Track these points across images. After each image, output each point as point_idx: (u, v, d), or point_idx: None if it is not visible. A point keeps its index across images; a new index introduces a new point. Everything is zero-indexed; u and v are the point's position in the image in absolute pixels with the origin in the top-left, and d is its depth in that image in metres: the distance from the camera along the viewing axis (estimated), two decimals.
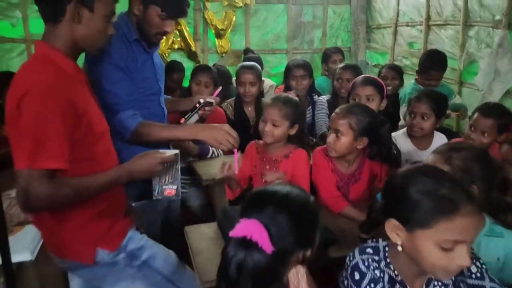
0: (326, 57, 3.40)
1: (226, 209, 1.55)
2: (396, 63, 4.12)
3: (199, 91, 2.41)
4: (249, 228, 0.80)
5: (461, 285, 0.99)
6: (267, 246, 0.79)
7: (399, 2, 4.05)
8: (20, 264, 1.49)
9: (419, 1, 3.77)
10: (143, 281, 1.34)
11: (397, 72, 2.93)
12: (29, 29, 3.55)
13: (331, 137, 1.63)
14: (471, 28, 3.23)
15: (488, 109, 1.90)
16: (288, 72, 2.69)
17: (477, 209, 0.85)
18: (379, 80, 2.19)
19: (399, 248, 0.91)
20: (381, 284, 0.95)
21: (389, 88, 2.89)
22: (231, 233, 0.82)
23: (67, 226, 1.21)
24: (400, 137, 2.09)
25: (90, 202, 1.20)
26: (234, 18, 4.19)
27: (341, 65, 2.66)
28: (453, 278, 0.99)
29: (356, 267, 0.98)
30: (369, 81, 2.07)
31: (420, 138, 2.03)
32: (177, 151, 1.40)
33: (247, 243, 0.80)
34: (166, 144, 1.74)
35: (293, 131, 1.67)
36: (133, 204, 1.57)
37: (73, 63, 1.22)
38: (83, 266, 1.27)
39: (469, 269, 0.97)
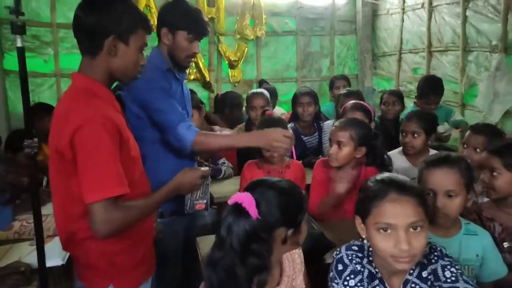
0: (332, 84, 3.61)
1: None
2: (401, 88, 4.29)
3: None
4: (241, 197, 0.99)
5: None
6: (253, 212, 0.96)
7: (402, 31, 4.26)
8: (51, 269, 1.66)
9: (421, 29, 3.98)
10: None
11: (398, 97, 3.09)
12: (59, 65, 3.90)
13: (333, 148, 1.80)
14: (470, 53, 3.39)
15: (479, 127, 2.04)
16: (295, 99, 2.85)
17: (407, 198, 1.00)
18: (367, 105, 2.37)
19: (365, 242, 1.08)
20: (360, 277, 1.08)
21: (390, 112, 3.06)
22: (229, 201, 1.01)
23: (99, 250, 1.22)
24: (396, 156, 2.25)
25: (125, 232, 1.21)
26: (246, 50, 4.48)
27: (343, 92, 2.84)
28: (428, 283, 1.10)
29: (340, 260, 1.12)
30: (358, 107, 2.26)
31: (416, 156, 2.16)
32: (207, 168, 1.54)
33: (237, 209, 0.98)
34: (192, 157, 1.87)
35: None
36: (158, 220, 1.71)
37: (111, 93, 1.29)
38: None
39: (444, 274, 1.08)
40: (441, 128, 2.88)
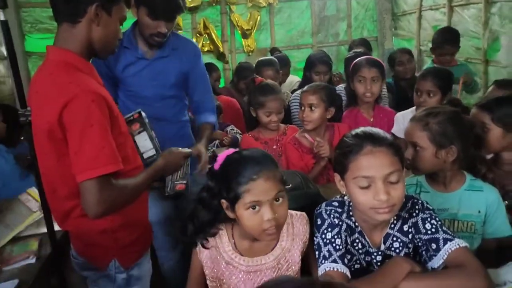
0: (351, 49, 3.49)
1: None
2: (422, 48, 4.12)
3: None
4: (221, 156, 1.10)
5: (417, 241, 1.10)
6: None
7: None
8: None
9: None
10: None
11: (410, 54, 2.97)
12: None
13: (306, 111, 1.91)
14: (494, 5, 3.17)
15: (502, 82, 1.97)
16: (311, 66, 2.72)
17: (382, 149, 1.00)
18: (379, 60, 2.27)
19: (345, 198, 1.09)
20: (337, 229, 1.09)
21: (407, 71, 2.95)
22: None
23: (99, 228, 1.21)
24: (409, 115, 2.16)
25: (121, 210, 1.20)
26: (258, 18, 4.39)
27: (351, 55, 2.72)
28: (410, 236, 1.11)
29: (319, 215, 1.14)
30: (372, 63, 2.16)
31: None
32: (189, 150, 1.50)
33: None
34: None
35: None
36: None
37: (91, 65, 1.24)
38: (93, 268, 1.30)
39: (424, 227, 1.08)
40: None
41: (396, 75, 3.02)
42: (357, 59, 2.23)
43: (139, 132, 1.42)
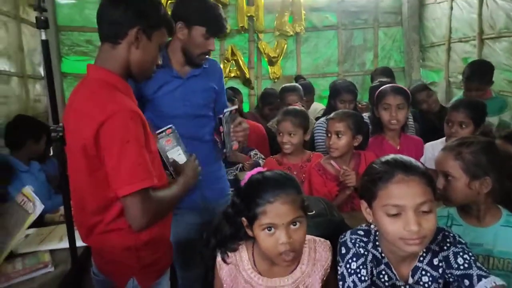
0: (373, 77, 3.49)
1: None
2: (451, 79, 4.06)
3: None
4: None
5: (448, 276, 1.04)
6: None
7: (451, 19, 4.01)
8: None
9: (471, 16, 3.72)
10: None
11: (426, 89, 3.02)
12: None
13: (332, 139, 1.90)
14: None
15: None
16: (336, 94, 2.69)
17: (414, 178, 0.96)
18: (405, 88, 2.24)
19: (372, 226, 1.05)
20: (362, 259, 1.05)
21: (430, 105, 2.91)
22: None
23: (124, 245, 1.22)
24: (438, 146, 2.11)
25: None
26: (285, 46, 4.47)
27: (376, 83, 2.69)
28: (440, 271, 1.05)
29: (344, 243, 1.09)
30: (398, 91, 2.14)
31: None
32: (170, 126, 1.45)
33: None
34: None
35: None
36: None
37: (128, 85, 1.27)
38: (112, 287, 1.29)
39: (456, 261, 1.03)
40: (493, 121, 2.67)
41: (420, 111, 2.97)
42: (383, 87, 2.21)
43: (173, 147, 1.44)
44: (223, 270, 1.15)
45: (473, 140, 1.32)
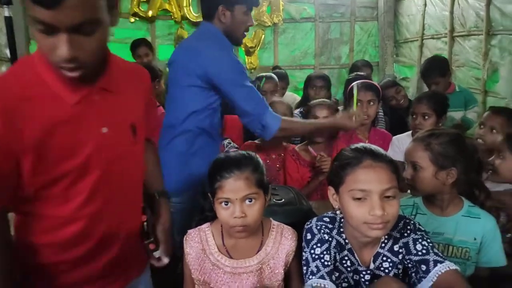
0: (355, 69, 3.54)
1: None
2: None
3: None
4: None
5: (407, 262, 1.08)
6: None
7: (424, 16, 4.11)
8: None
9: (443, 13, 3.82)
10: None
11: (395, 85, 3.08)
12: None
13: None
14: (494, 37, 3.22)
15: (499, 108, 1.99)
16: (308, 82, 2.86)
17: (381, 164, 1.00)
18: (376, 84, 2.30)
19: (338, 213, 1.08)
20: (326, 245, 1.08)
21: (400, 102, 3.00)
22: None
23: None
24: (404, 139, 2.18)
25: None
26: (263, 37, 4.47)
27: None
28: (400, 257, 1.09)
29: (309, 230, 1.12)
30: (369, 87, 2.19)
31: None
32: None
33: None
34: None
35: None
36: None
37: None
38: None
39: (415, 248, 1.07)
40: (457, 115, 2.77)
41: (391, 107, 3.05)
42: (353, 83, 2.26)
43: None
44: (190, 255, 1.17)
45: (442, 131, 1.35)
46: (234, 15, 1.64)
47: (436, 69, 2.82)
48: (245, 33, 1.74)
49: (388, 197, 0.99)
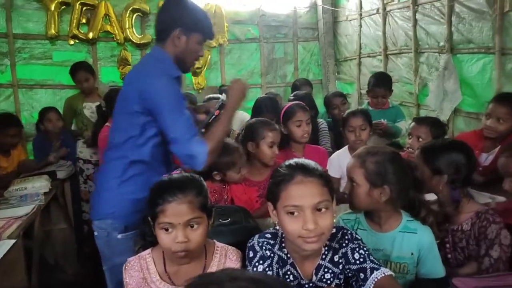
0: (295, 88, 3.66)
1: None
2: (362, 91, 4.40)
3: None
4: None
5: (347, 272, 1.12)
6: None
7: (360, 36, 4.38)
8: None
9: (377, 33, 4.10)
10: None
11: (342, 96, 3.26)
12: (16, 75, 3.84)
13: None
14: (422, 55, 3.51)
15: (422, 118, 2.14)
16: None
17: (312, 179, 1.03)
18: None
19: (278, 228, 1.10)
20: (269, 262, 1.09)
21: (342, 114, 3.14)
22: None
23: None
24: (342, 154, 2.34)
25: None
26: (209, 57, 4.51)
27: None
28: (340, 267, 1.13)
29: (251, 247, 1.13)
30: (306, 107, 2.31)
31: None
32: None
33: None
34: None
35: None
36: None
37: None
38: None
39: (353, 257, 1.11)
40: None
41: (333, 118, 3.19)
42: (290, 104, 2.37)
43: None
44: (131, 286, 1.13)
45: (378, 150, 1.37)
46: (188, 42, 1.60)
47: (388, 84, 3.05)
48: (195, 61, 1.72)
49: (320, 209, 1.02)
